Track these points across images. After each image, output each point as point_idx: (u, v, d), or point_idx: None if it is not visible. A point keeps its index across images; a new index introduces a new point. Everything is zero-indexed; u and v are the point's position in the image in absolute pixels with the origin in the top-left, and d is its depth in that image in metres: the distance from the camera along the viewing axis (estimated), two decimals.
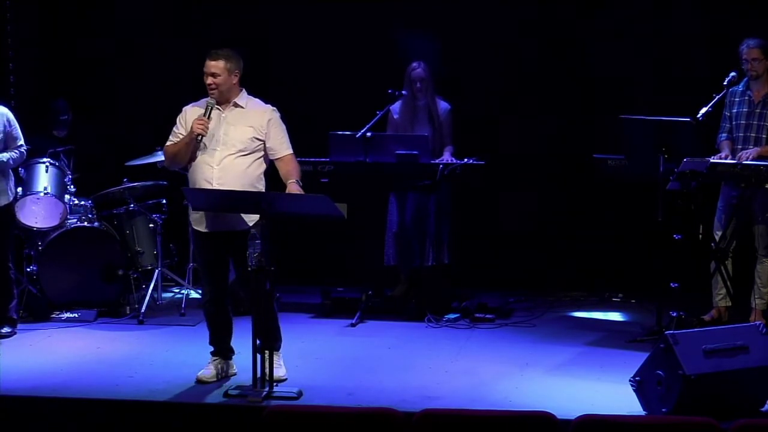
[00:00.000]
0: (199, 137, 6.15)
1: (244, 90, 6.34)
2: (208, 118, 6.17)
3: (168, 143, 6.35)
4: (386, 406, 4.70)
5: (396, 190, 8.07)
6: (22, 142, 7.29)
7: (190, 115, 6.30)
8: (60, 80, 9.05)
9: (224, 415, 5.83)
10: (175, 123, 6.35)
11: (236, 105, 6.28)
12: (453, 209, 8.13)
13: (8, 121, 7.21)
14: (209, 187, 6.12)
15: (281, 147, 6.28)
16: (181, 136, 6.28)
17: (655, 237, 7.40)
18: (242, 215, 6.15)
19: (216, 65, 6.20)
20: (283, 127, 6.33)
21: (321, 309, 8.00)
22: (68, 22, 9.11)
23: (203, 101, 6.28)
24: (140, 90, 9.02)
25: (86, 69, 9.12)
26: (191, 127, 6.18)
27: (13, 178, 7.37)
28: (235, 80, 6.26)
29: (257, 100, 6.38)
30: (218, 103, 6.26)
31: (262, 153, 6.26)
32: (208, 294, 6.35)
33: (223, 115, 6.25)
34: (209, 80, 6.21)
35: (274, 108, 6.35)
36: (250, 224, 6.05)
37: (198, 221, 6.26)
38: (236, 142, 6.19)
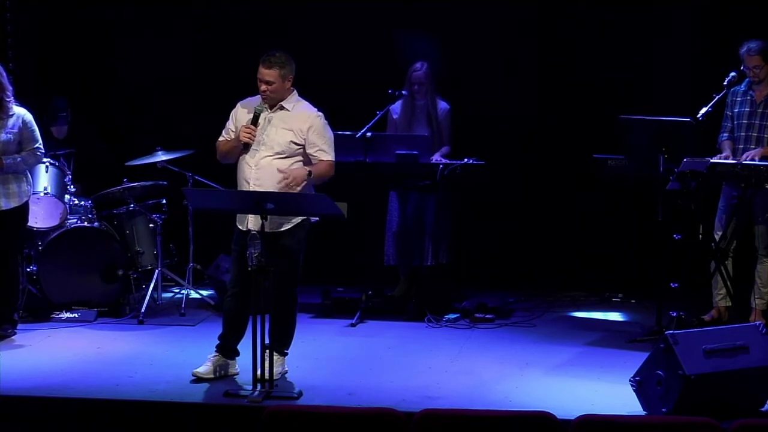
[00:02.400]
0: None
1: (295, 92, 6.29)
2: (255, 125, 6.15)
3: (220, 139, 6.35)
4: (386, 406, 4.69)
5: (396, 189, 8.07)
6: (39, 144, 7.23)
7: (240, 113, 6.30)
8: (60, 80, 9.04)
9: (224, 415, 5.83)
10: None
11: (282, 107, 6.22)
12: (453, 209, 8.13)
13: (23, 122, 7.15)
14: (247, 186, 6.13)
15: (319, 153, 6.23)
16: (232, 133, 6.29)
17: (655, 237, 7.39)
18: (281, 217, 6.11)
19: (270, 74, 6.12)
20: (327, 133, 6.27)
21: (321, 309, 7.98)
22: (68, 22, 9.10)
23: (257, 98, 6.24)
24: (140, 90, 9.01)
25: (86, 69, 9.11)
26: (239, 134, 6.18)
27: (27, 181, 7.29)
28: (288, 85, 6.21)
29: (306, 103, 6.32)
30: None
31: (303, 157, 6.23)
32: (231, 289, 6.31)
33: (269, 116, 6.21)
34: (263, 87, 6.15)
35: (320, 114, 6.28)
36: (290, 226, 6.08)
37: (240, 219, 6.25)
38: (275, 144, 6.16)
